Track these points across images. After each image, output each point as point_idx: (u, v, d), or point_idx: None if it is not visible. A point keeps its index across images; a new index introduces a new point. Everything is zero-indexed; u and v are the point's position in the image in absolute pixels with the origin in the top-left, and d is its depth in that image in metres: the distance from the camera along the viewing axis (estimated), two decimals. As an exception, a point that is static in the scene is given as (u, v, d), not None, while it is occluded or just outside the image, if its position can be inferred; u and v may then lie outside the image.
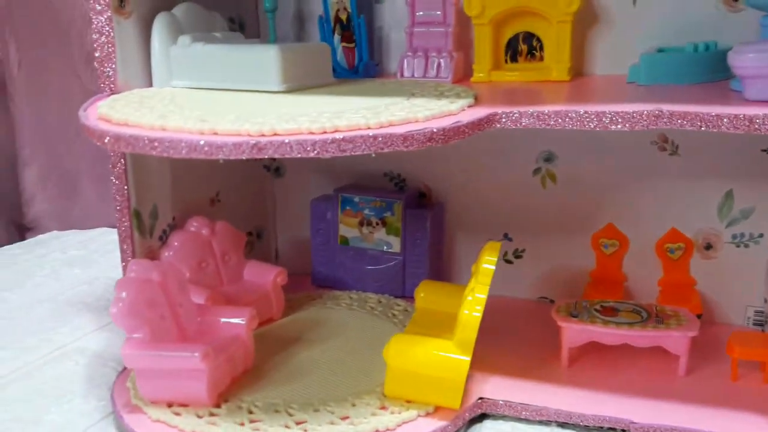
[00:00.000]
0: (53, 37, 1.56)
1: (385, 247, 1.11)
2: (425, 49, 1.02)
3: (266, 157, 0.62)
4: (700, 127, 0.67)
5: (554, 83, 0.96)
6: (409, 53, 1.02)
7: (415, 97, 0.81)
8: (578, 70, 1.01)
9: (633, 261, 1.05)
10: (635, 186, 1.02)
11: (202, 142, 0.62)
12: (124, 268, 0.89)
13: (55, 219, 1.74)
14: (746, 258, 0.99)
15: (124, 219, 0.90)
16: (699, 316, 0.99)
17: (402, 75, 1.02)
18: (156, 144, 0.64)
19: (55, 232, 1.69)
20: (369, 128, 0.66)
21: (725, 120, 0.66)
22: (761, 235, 0.98)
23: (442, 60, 1.00)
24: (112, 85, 0.87)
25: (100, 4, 0.85)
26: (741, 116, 0.65)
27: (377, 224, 1.11)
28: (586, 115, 0.70)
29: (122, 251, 0.91)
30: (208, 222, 1.00)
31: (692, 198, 0.99)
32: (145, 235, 0.93)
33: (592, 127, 0.70)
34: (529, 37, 0.99)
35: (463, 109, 0.76)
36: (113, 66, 0.87)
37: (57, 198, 1.74)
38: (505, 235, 1.11)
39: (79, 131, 1.63)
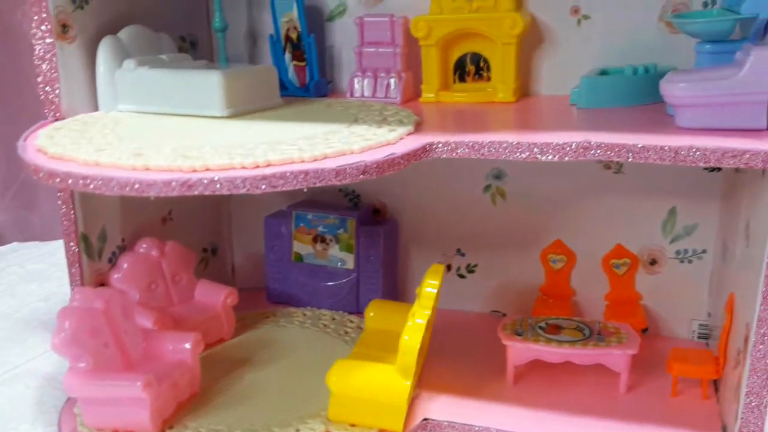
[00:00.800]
0: (7, 51, 1.55)
1: (339, 264, 1.12)
2: (375, 69, 1.03)
3: (196, 194, 0.62)
4: (628, 158, 0.68)
5: (500, 105, 0.97)
6: (359, 73, 1.03)
7: (358, 123, 0.82)
8: (525, 90, 1.02)
9: (581, 276, 1.06)
10: (582, 203, 1.03)
11: (132, 180, 0.62)
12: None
13: (16, 230, 1.73)
14: (690, 273, 1.01)
15: (71, 243, 0.90)
16: (645, 330, 1.02)
17: (352, 95, 1.03)
18: (88, 181, 0.64)
19: (15, 243, 1.68)
20: (303, 161, 0.67)
21: (651, 152, 0.67)
22: (704, 251, 1.00)
23: (391, 80, 1.01)
24: (56, 111, 0.87)
25: (41, 30, 0.85)
26: (666, 148, 0.67)
27: (330, 241, 1.12)
28: (518, 145, 0.71)
29: (70, 275, 0.91)
30: (157, 243, 1.00)
31: (637, 215, 1.01)
32: (94, 258, 0.93)
33: (524, 158, 0.71)
34: (476, 57, 1.00)
35: (402, 138, 0.76)
36: (57, 92, 0.86)
37: (17, 208, 1.73)
38: (458, 251, 1.12)
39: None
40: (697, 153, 0.65)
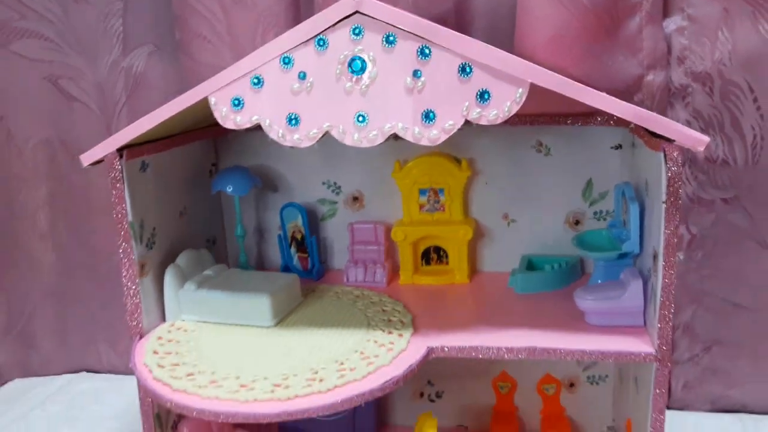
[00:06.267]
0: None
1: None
2: (364, 261, 1.37)
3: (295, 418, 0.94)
4: (562, 357, 1.06)
5: (459, 285, 1.34)
6: (352, 264, 1.37)
7: (372, 327, 1.16)
8: (473, 267, 1.40)
9: (522, 397, 1.44)
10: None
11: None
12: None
13: (16, 367, 1.90)
14: (598, 392, 1.41)
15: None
16: (569, 434, 1.42)
17: (347, 280, 1.37)
18: (204, 412, 0.94)
19: (17, 381, 1.86)
20: (356, 381, 1.00)
21: (576, 353, 1.05)
22: (607, 376, 1.40)
23: (377, 270, 1.36)
24: (139, 333, 1.15)
25: (130, 273, 1.14)
26: (587, 351, 1.05)
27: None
28: (491, 349, 1.07)
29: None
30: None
31: (558, 352, 1.40)
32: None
33: (492, 357, 1.07)
34: (437, 248, 1.37)
35: (409, 342, 1.11)
36: (140, 318, 1.15)
37: (17, 350, 1.90)
38: (428, 381, 1.48)
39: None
40: (601, 354, 1.04)
